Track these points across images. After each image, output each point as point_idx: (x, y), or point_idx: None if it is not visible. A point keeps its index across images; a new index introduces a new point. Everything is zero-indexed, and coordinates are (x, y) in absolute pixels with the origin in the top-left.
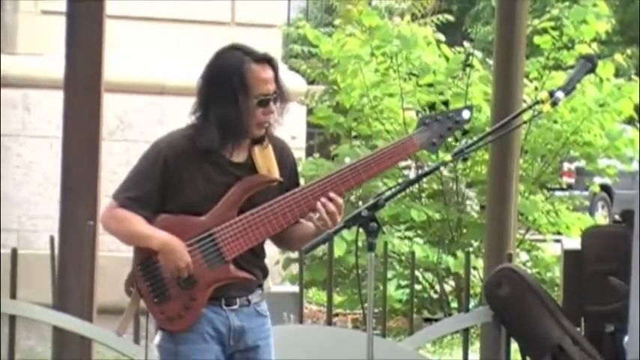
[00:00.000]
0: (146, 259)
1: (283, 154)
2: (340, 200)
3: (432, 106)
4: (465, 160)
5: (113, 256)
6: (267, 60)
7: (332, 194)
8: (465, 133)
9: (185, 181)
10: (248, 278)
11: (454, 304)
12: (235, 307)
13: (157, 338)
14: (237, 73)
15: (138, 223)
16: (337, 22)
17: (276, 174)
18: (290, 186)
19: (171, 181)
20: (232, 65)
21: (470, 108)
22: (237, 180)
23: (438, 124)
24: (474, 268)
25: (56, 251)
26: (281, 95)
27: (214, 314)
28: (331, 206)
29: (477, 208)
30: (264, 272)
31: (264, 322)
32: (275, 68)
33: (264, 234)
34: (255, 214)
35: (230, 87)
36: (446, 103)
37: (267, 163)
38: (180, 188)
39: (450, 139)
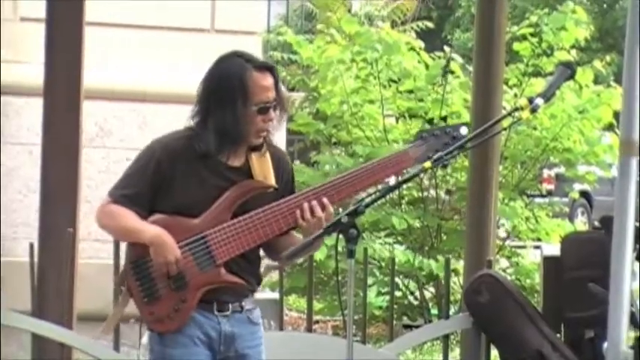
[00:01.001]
0: (139, 258)
1: (281, 163)
2: (331, 209)
3: (430, 121)
4: (444, 166)
5: (93, 263)
6: (268, 68)
7: (325, 200)
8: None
9: (178, 182)
10: (239, 283)
11: (434, 311)
12: (227, 312)
13: (145, 339)
14: (238, 80)
15: (130, 217)
16: (319, 26)
17: (272, 181)
18: (286, 194)
19: (163, 182)
20: (233, 72)
21: (467, 125)
22: (233, 184)
23: (434, 138)
24: (455, 273)
25: (35, 258)
26: (280, 103)
27: (205, 319)
28: (319, 211)
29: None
30: (258, 280)
31: (256, 329)
32: (276, 76)
33: (256, 239)
34: (248, 219)
35: (230, 93)
36: (445, 118)
37: (263, 170)
38: (173, 189)
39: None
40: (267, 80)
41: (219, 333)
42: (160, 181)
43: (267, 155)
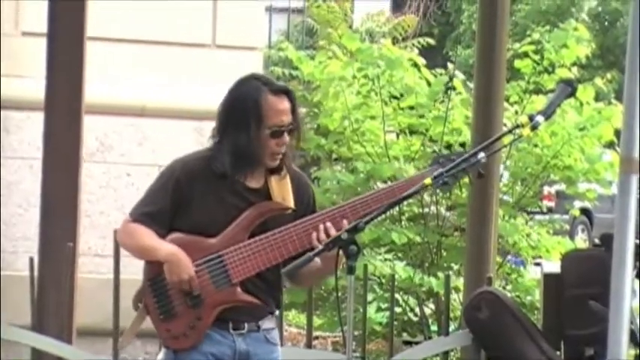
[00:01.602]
0: (156, 276)
1: (301, 185)
2: None
3: (448, 147)
4: (444, 183)
5: (92, 277)
6: (284, 91)
7: (344, 221)
8: (480, 176)
9: (197, 201)
10: (254, 303)
11: (434, 327)
12: (243, 331)
13: (161, 356)
14: (253, 103)
15: (148, 236)
16: (321, 42)
17: (290, 203)
18: (306, 217)
19: (182, 201)
20: (249, 94)
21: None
22: (251, 205)
23: (452, 163)
24: (455, 289)
25: (36, 273)
26: (297, 127)
27: (220, 337)
28: (334, 232)
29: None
30: (277, 301)
31: (273, 350)
32: (292, 100)
33: (271, 259)
34: (265, 239)
35: (245, 116)
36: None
37: (282, 192)
38: (191, 208)
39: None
40: (283, 104)
41: (234, 351)
42: (179, 200)
43: (287, 178)
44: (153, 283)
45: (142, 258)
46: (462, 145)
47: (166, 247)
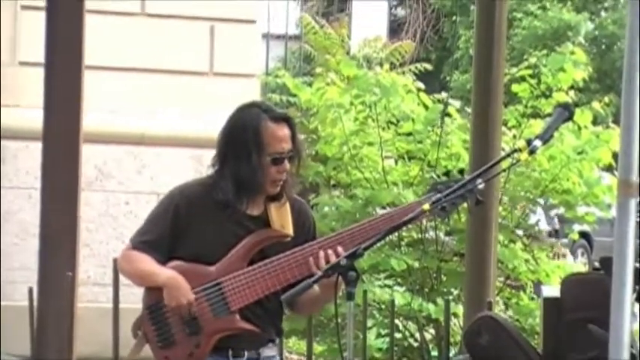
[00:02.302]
0: (155, 303)
1: (301, 213)
2: None
3: (447, 173)
4: (443, 209)
5: (92, 307)
6: (284, 119)
7: (340, 248)
8: (478, 202)
9: (196, 229)
10: (253, 331)
11: (434, 353)
12: (243, 359)
13: None
14: (253, 131)
15: (147, 262)
16: (318, 70)
17: (289, 230)
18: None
19: (181, 228)
20: (249, 122)
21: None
22: (250, 233)
23: (450, 190)
24: (455, 315)
25: (35, 303)
26: (297, 154)
27: None
28: (333, 259)
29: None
30: (277, 329)
31: None
32: (292, 127)
33: (270, 287)
34: (263, 266)
35: (245, 144)
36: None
37: (281, 219)
38: (191, 235)
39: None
40: (283, 131)
41: None
42: (178, 226)
43: (287, 205)
44: (152, 311)
45: (141, 284)
46: (461, 171)
47: (165, 272)
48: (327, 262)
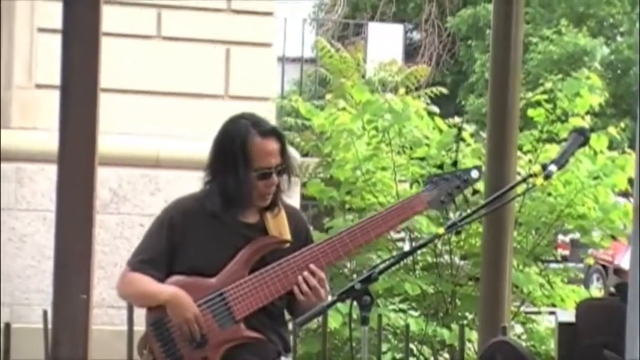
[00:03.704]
0: (159, 320)
1: (296, 220)
2: (321, 274)
3: (440, 166)
4: (458, 233)
5: (107, 329)
6: (272, 133)
7: (312, 266)
8: (475, 192)
9: (193, 241)
10: (260, 339)
11: None
12: None
13: None
14: (240, 145)
15: (147, 282)
16: (328, 97)
17: (287, 236)
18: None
19: (178, 241)
20: (237, 136)
21: (479, 168)
22: (248, 241)
23: (446, 182)
24: (469, 340)
25: (50, 325)
26: (287, 167)
27: None
28: (312, 280)
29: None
30: (283, 341)
31: None
32: (282, 141)
33: (274, 292)
34: (265, 273)
35: (232, 158)
36: (455, 163)
37: (278, 226)
38: (188, 249)
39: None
40: (271, 145)
41: None
42: (175, 239)
43: (283, 214)
44: (156, 328)
45: (143, 305)
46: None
47: (167, 290)
48: (308, 285)
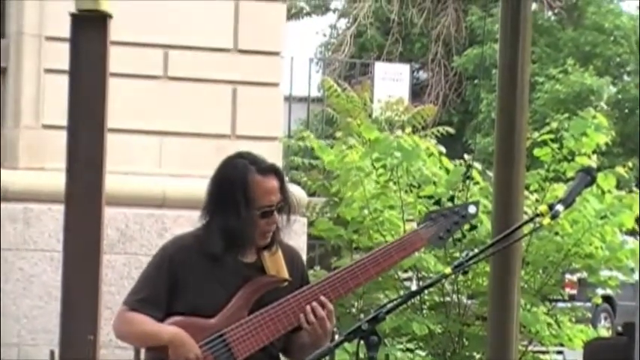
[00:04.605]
0: None
1: (294, 260)
2: (330, 306)
3: (437, 202)
4: (465, 272)
5: None
6: (272, 170)
7: (322, 298)
8: (472, 228)
9: (192, 281)
10: None
11: None
12: None
13: None
14: (241, 185)
15: (147, 322)
16: (338, 134)
17: (285, 275)
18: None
19: (178, 281)
20: (236, 176)
21: (476, 203)
22: (247, 281)
23: (444, 218)
24: None
25: None
26: (287, 205)
27: None
28: (320, 311)
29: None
30: None
31: None
32: (281, 178)
33: (274, 332)
34: (265, 313)
35: (233, 198)
36: (452, 198)
37: (276, 266)
38: (188, 288)
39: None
40: (271, 183)
41: None
42: (174, 277)
43: (280, 253)
44: None
45: (143, 345)
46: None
47: (168, 330)
48: (315, 315)
